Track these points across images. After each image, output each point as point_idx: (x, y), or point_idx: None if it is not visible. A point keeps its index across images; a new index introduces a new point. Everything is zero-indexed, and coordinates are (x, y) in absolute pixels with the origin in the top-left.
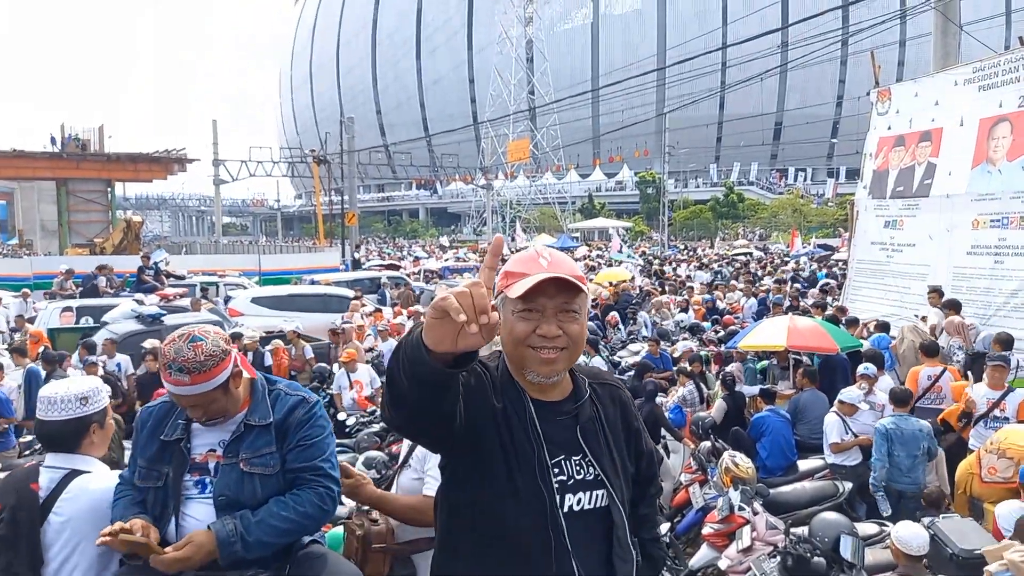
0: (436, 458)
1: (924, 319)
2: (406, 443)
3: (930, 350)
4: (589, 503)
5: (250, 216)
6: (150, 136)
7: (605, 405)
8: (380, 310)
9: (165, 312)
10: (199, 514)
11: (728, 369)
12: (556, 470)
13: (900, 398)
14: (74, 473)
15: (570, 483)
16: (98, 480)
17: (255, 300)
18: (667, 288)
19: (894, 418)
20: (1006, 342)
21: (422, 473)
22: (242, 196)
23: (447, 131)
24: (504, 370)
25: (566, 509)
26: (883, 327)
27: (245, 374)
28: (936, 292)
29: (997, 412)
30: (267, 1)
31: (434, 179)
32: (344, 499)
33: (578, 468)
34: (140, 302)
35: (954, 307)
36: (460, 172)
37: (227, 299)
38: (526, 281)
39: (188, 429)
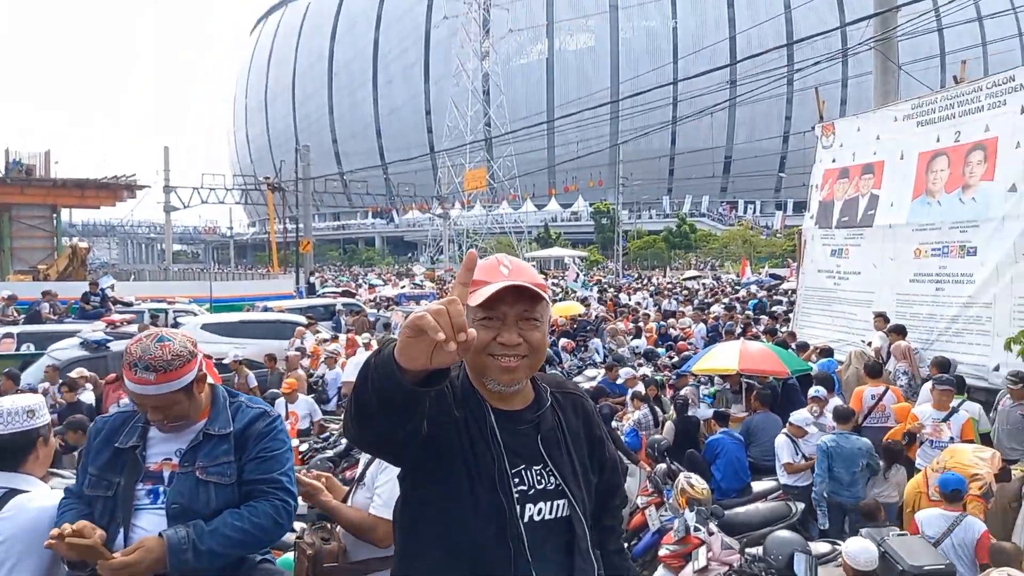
0: (385, 476)
1: (869, 344)
2: (363, 461)
3: (873, 370)
4: (550, 513)
5: (202, 244)
6: (98, 161)
7: (567, 414)
8: (336, 336)
9: (111, 338)
10: (150, 525)
11: (682, 392)
12: (516, 480)
13: (842, 416)
14: (12, 492)
15: (531, 493)
16: (39, 499)
17: (205, 327)
18: (619, 314)
19: (835, 435)
20: (942, 365)
21: (373, 491)
22: (193, 223)
23: (404, 160)
24: (464, 379)
25: (526, 519)
26: (826, 352)
27: (209, 380)
28: (881, 317)
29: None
30: (223, 30)
31: (391, 207)
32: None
33: (539, 478)
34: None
35: (900, 332)
36: (417, 201)
37: (176, 325)
38: (486, 289)
39: (145, 437)
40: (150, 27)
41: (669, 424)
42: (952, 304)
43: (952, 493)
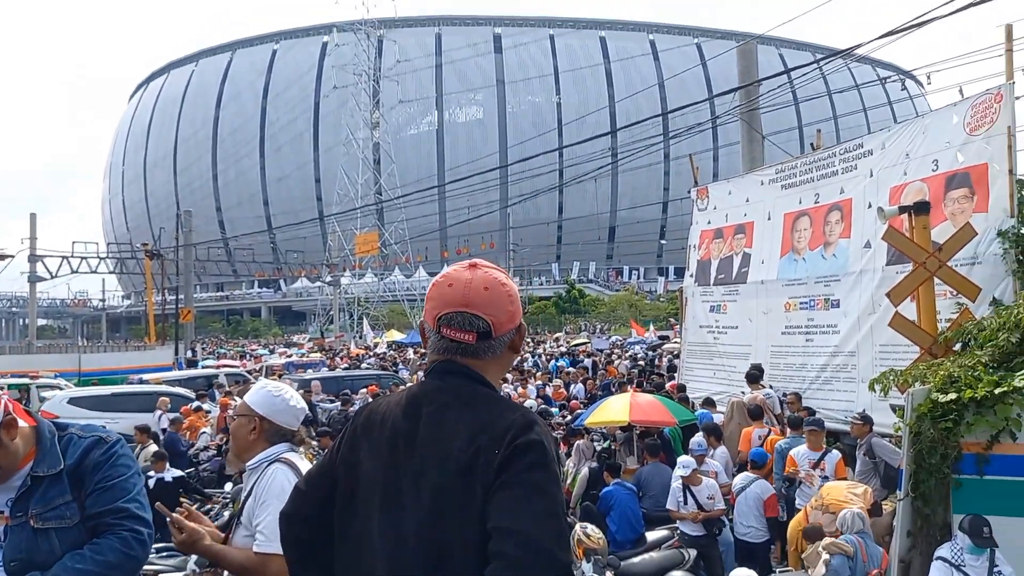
0: (264, 510)
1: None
2: (241, 500)
3: (755, 413)
4: None
5: (70, 318)
6: None
7: None
8: (201, 408)
9: None
10: None
11: (578, 444)
12: None
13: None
14: None
15: None
16: None
17: (72, 401)
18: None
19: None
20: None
21: (253, 530)
22: (61, 295)
23: (293, 224)
24: None
25: None
26: (708, 403)
27: (22, 423)
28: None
29: (818, 471)
30: (97, 95)
31: (279, 272)
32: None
33: None
34: None
35: (754, 380)
36: (306, 267)
37: (41, 401)
38: None
39: None
40: (18, 89)
41: (584, 470)
42: (820, 354)
43: (756, 460)
